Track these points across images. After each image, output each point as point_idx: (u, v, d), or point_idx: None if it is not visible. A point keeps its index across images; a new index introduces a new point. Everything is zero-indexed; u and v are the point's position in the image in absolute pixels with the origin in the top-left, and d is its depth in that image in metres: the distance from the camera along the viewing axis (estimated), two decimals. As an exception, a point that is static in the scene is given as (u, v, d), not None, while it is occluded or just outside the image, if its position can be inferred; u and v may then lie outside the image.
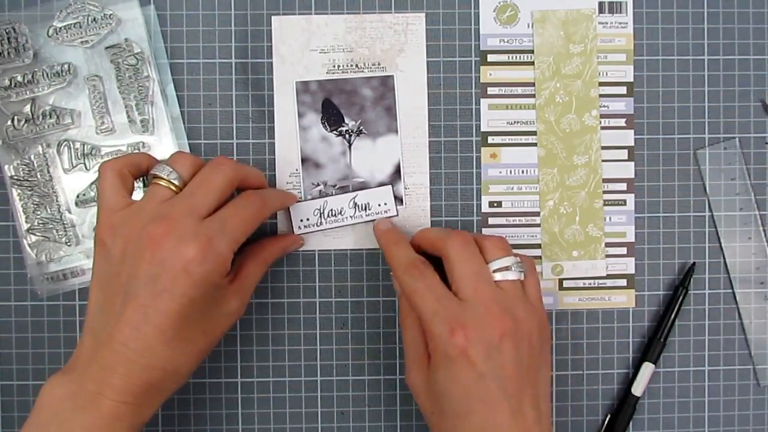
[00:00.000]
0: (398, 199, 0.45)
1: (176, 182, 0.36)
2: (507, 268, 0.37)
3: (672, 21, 0.46)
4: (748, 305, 0.46)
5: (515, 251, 0.39)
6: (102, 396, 0.33)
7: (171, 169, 0.37)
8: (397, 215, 0.45)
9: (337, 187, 0.45)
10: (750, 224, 0.46)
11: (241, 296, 0.38)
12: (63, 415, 0.33)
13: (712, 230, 0.46)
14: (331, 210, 0.44)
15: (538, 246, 0.45)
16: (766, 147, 0.46)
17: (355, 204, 0.44)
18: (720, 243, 0.46)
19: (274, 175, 0.45)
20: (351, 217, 0.44)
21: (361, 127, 0.45)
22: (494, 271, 0.37)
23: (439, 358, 0.35)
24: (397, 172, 0.45)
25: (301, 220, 0.44)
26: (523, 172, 0.45)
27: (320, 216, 0.44)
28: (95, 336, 0.35)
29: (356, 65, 0.45)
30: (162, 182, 0.36)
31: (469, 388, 0.34)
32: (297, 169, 0.45)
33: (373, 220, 0.44)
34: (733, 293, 0.46)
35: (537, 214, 0.45)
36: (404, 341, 0.39)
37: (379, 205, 0.44)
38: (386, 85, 0.45)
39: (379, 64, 0.45)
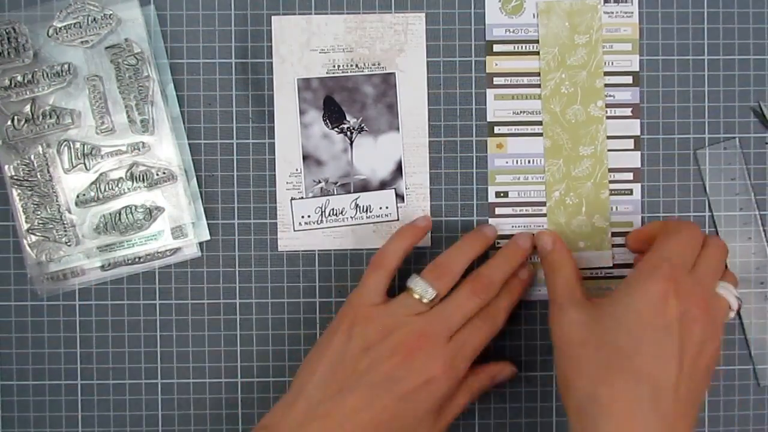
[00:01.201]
0: (399, 197, 0.45)
1: (430, 300, 0.39)
2: (733, 296, 0.38)
3: (672, 21, 0.46)
4: (748, 305, 0.46)
5: None
6: None
7: (429, 289, 0.39)
8: (398, 219, 0.45)
9: (338, 184, 0.45)
10: (750, 224, 0.46)
11: (446, 416, 0.39)
12: None
13: (712, 230, 0.46)
14: (333, 209, 0.44)
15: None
16: (766, 147, 0.46)
17: (357, 205, 0.44)
18: (720, 243, 0.46)
19: (274, 175, 0.45)
20: (351, 217, 0.44)
21: (363, 125, 0.45)
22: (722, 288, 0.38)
23: (635, 283, 0.36)
24: (398, 170, 0.45)
25: (302, 217, 0.44)
26: (529, 162, 0.45)
27: (321, 214, 0.44)
28: (310, 405, 0.36)
29: (356, 65, 0.45)
30: (416, 295, 0.39)
31: (654, 325, 0.35)
32: (297, 169, 0.45)
33: (374, 223, 0.44)
34: (733, 293, 0.46)
35: (543, 204, 0.45)
36: (557, 282, 0.40)
37: (381, 208, 0.44)
38: (388, 82, 0.45)
39: (379, 64, 0.45)
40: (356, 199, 0.44)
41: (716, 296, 0.38)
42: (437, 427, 0.39)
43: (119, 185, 0.44)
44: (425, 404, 0.37)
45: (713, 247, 0.38)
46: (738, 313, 0.39)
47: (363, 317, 0.38)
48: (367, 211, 0.44)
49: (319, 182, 0.45)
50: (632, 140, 0.46)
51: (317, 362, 0.38)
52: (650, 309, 0.35)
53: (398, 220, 0.45)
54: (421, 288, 0.39)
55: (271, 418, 0.37)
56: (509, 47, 0.45)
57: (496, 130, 0.45)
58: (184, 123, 0.45)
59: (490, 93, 0.45)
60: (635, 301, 0.36)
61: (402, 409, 0.36)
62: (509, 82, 0.45)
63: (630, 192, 0.46)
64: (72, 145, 0.44)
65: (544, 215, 0.45)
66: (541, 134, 0.45)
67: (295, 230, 0.44)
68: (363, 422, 0.36)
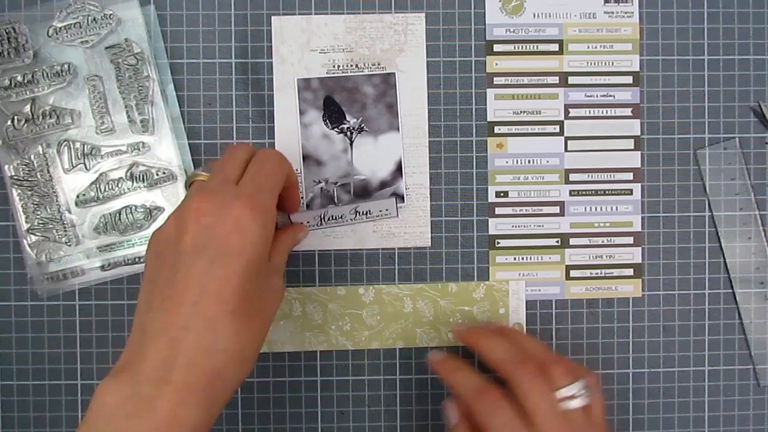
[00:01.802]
0: (399, 197, 0.45)
1: (207, 173, 0.37)
2: (574, 396, 0.37)
3: (672, 21, 0.46)
4: (748, 305, 0.46)
5: (580, 366, 0.39)
6: (159, 398, 0.30)
7: (201, 171, 0.37)
8: (397, 216, 0.45)
9: (338, 184, 0.45)
10: (750, 224, 0.46)
11: (279, 275, 0.37)
12: (116, 425, 0.29)
13: (712, 230, 0.46)
14: (332, 216, 0.44)
15: (545, 236, 0.45)
16: (766, 147, 0.46)
17: (357, 212, 0.44)
18: (720, 243, 0.46)
19: (274, 175, 0.45)
20: (351, 219, 0.44)
21: (363, 125, 0.45)
22: (561, 400, 0.37)
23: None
24: (398, 170, 0.45)
25: (302, 223, 0.44)
26: (529, 162, 0.45)
27: (320, 219, 0.44)
28: (145, 331, 0.32)
29: (356, 65, 0.45)
30: (198, 178, 0.37)
31: None
32: (297, 169, 0.45)
33: (373, 221, 0.44)
34: (733, 293, 0.46)
35: (543, 203, 0.45)
36: None
37: (380, 211, 0.44)
38: (388, 82, 0.45)
39: (379, 65, 0.45)
40: (356, 207, 0.44)
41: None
42: (278, 279, 0.36)
43: (119, 185, 0.44)
44: (256, 249, 0.33)
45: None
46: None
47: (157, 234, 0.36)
48: (366, 214, 0.44)
49: (319, 182, 0.45)
50: (632, 140, 0.46)
51: (139, 293, 0.35)
52: None
53: (396, 216, 0.45)
54: (195, 173, 0.37)
55: (115, 364, 0.32)
56: (509, 47, 0.45)
57: (496, 129, 0.45)
58: (184, 123, 0.45)
59: (491, 93, 0.45)
60: None
61: (237, 268, 0.32)
62: (509, 82, 0.45)
63: (630, 192, 0.46)
64: (72, 145, 0.44)
65: (544, 215, 0.45)
66: (540, 134, 0.45)
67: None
68: (209, 309, 0.31)
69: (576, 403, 0.37)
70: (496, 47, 0.45)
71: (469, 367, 0.40)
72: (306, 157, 0.45)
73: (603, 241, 0.46)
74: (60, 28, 0.43)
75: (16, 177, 0.43)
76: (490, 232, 0.46)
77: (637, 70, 0.46)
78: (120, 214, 0.44)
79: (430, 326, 0.45)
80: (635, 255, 0.46)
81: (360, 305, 0.45)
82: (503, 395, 0.37)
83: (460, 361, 0.41)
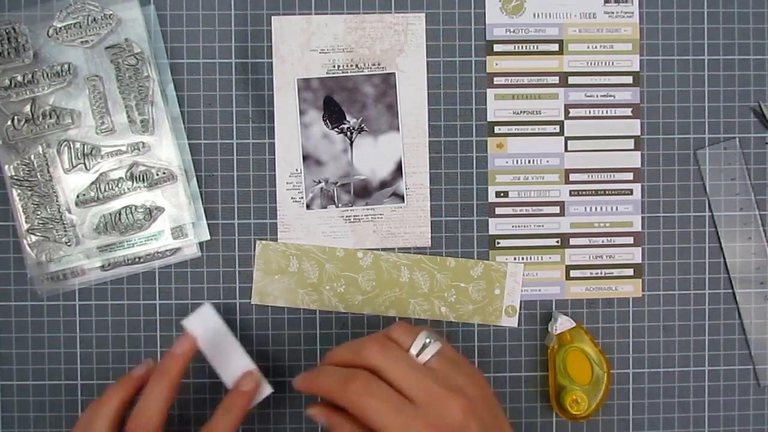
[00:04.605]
0: (399, 197, 0.45)
1: None
2: (425, 346, 0.37)
3: (672, 21, 0.46)
4: (748, 305, 0.46)
5: (420, 327, 0.38)
6: None
7: None
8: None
9: (338, 184, 0.45)
10: (750, 224, 0.46)
11: None
12: None
13: (712, 230, 0.46)
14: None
15: (546, 236, 0.45)
16: (766, 147, 0.46)
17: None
18: (720, 243, 0.46)
19: (274, 175, 0.45)
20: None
21: (363, 125, 0.45)
22: (417, 355, 0.37)
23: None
24: (398, 170, 0.45)
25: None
26: (529, 162, 0.45)
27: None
28: None
29: (356, 65, 0.45)
30: None
31: None
32: (297, 169, 0.45)
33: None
34: (733, 293, 0.46)
35: (543, 203, 0.45)
36: None
37: None
38: (388, 82, 0.45)
39: (379, 65, 0.45)
40: None
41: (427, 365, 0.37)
42: None
43: (119, 185, 0.44)
44: None
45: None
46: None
47: None
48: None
49: (319, 182, 0.45)
50: (632, 140, 0.46)
51: None
52: None
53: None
54: None
55: None
56: (510, 47, 0.45)
57: (497, 129, 0.45)
58: (184, 123, 0.45)
59: (491, 93, 0.45)
60: None
61: None
62: (509, 82, 0.45)
63: (630, 192, 0.46)
64: (72, 145, 0.44)
65: (545, 215, 0.46)
66: (541, 134, 0.45)
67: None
68: None
69: (430, 351, 0.37)
70: (496, 47, 0.45)
71: (328, 368, 0.38)
72: (306, 157, 0.45)
73: (603, 241, 0.46)
74: (60, 28, 0.43)
75: (16, 177, 0.43)
76: (490, 232, 0.46)
77: (637, 70, 0.46)
78: (120, 214, 0.44)
79: (424, 299, 0.45)
80: (635, 255, 0.46)
81: (357, 269, 0.45)
82: (370, 375, 0.36)
83: (316, 370, 0.39)
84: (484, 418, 0.35)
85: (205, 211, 0.45)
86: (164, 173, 0.44)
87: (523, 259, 0.45)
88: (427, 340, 0.37)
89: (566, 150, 0.46)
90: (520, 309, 0.45)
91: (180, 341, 0.40)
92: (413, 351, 0.37)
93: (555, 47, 0.45)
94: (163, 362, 0.39)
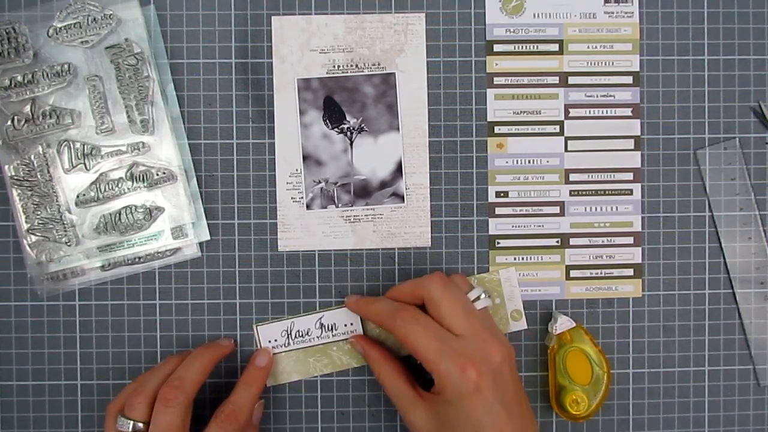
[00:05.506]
0: (399, 197, 0.45)
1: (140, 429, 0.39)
2: (478, 298, 0.40)
3: (672, 21, 0.46)
4: (748, 305, 0.46)
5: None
6: None
7: (129, 421, 0.39)
8: (363, 334, 0.45)
9: (338, 184, 0.45)
10: (750, 224, 0.46)
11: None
12: None
13: (712, 230, 0.46)
14: (298, 331, 0.44)
15: (546, 236, 0.45)
16: (766, 147, 0.46)
17: (322, 324, 0.44)
18: (720, 243, 0.46)
19: (274, 175, 0.45)
20: (318, 337, 0.44)
21: (363, 125, 0.45)
22: (473, 301, 0.40)
23: (451, 395, 0.37)
24: (398, 170, 0.45)
25: (269, 341, 0.45)
26: (529, 162, 0.45)
27: (287, 337, 0.44)
28: None
29: (356, 65, 0.45)
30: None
31: (482, 418, 0.36)
32: (297, 169, 0.45)
33: (341, 341, 0.45)
34: (733, 293, 0.46)
35: (543, 203, 0.45)
36: (390, 393, 0.40)
37: (345, 325, 0.45)
38: (388, 82, 0.45)
39: (379, 65, 0.45)
40: (320, 318, 0.45)
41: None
42: None
43: (119, 185, 0.44)
44: None
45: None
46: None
47: None
48: (332, 329, 0.45)
49: (319, 182, 0.45)
50: (632, 140, 0.46)
51: None
52: (468, 401, 0.37)
53: (363, 334, 0.44)
54: (124, 425, 0.39)
55: None
56: (510, 47, 0.45)
57: (497, 129, 0.45)
58: (184, 123, 0.45)
59: (491, 93, 0.45)
60: (459, 403, 0.37)
61: None
62: (509, 82, 0.45)
63: (630, 192, 0.46)
64: (72, 145, 0.44)
65: (545, 215, 0.46)
66: (540, 134, 0.45)
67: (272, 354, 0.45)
68: None
69: (482, 304, 0.40)
70: (496, 47, 0.45)
71: (383, 298, 0.42)
72: (306, 157, 0.45)
73: (603, 241, 0.46)
74: (60, 28, 0.43)
75: (16, 177, 0.43)
76: (490, 232, 0.46)
77: (637, 70, 0.46)
78: (120, 214, 0.44)
79: None
80: (635, 255, 0.46)
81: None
82: (419, 310, 0.40)
83: (373, 297, 0.43)
84: (515, 373, 0.39)
85: (205, 211, 0.45)
86: (164, 173, 0.44)
87: (523, 259, 0.45)
88: (482, 294, 0.41)
89: (566, 150, 0.46)
90: (523, 309, 0.45)
91: (260, 355, 0.44)
92: (471, 295, 0.40)
93: (555, 47, 0.45)
94: (248, 372, 0.43)
